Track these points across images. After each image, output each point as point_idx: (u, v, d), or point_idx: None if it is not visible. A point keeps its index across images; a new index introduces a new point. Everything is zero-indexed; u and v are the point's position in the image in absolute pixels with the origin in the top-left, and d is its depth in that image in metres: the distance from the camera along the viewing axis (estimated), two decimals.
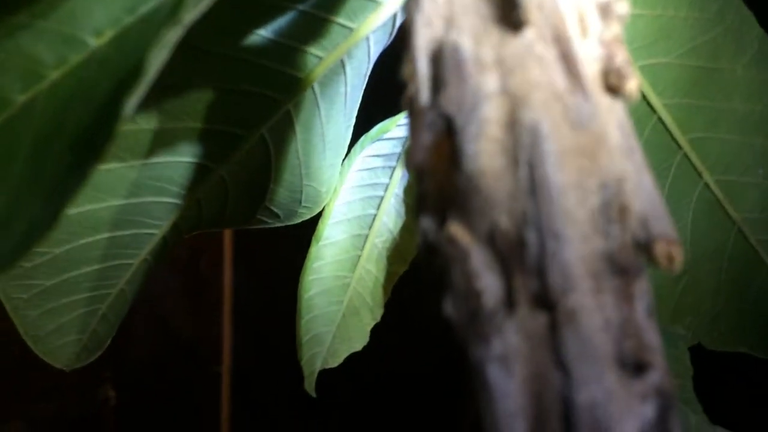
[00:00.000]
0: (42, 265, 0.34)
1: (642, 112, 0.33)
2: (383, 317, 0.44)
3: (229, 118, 0.31)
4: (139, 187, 0.33)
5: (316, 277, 0.41)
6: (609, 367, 0.14)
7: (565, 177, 0.14)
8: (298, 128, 0.33)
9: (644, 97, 0.33)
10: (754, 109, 0.33)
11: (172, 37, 0.15)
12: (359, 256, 0.41)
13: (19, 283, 0.34)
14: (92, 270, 0.35)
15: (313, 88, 0.32)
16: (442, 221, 0.15)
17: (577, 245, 0.14)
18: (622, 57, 0.16)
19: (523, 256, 0.14)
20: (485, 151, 0.15)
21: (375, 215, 0.41)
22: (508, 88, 0.15)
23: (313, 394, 0.42)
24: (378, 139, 0.38)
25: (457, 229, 0.15)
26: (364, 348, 0.45)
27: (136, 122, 0.31)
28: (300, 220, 0.39)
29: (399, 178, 0.41)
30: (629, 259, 0.14)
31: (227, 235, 1.00)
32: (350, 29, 0.30)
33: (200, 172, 0.34)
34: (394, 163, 0.40)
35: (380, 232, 0.42)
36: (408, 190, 0.41)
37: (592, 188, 0.15)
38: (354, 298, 0.42)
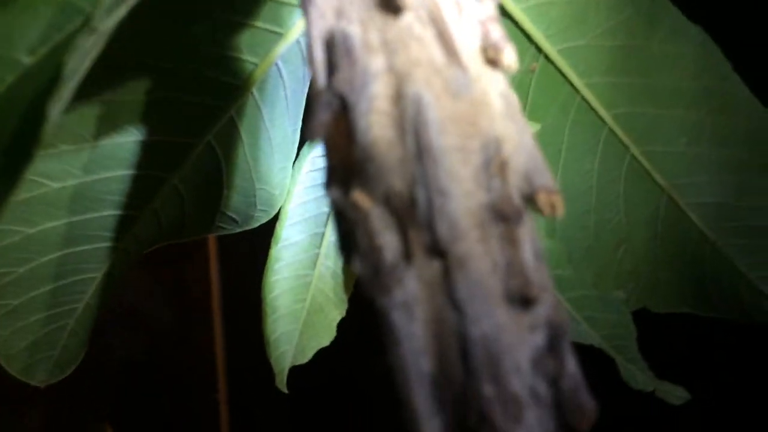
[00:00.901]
0: (8, 285, 0.35)
1: (566, 94, 0.35)
2: (348, 311, 0.45)
3: (174, 127, 0.33)
4: (96, 201, 0.34)
5: (278, 277, 0.42)
6: (498, 304, 0.16)
7: (447, 141, 0.16)
8: (243, 133, 0.35)
9: (567, 78, 0.35)
10: (672, 81, 0.35)
11: (85, 42, 0.17)
12: (318, 254, 0.43)
13: None
14: (57, 286, 0.36)
15: (253, 94, 0.34)
16: (347, 190, 0.17)
17: (462, 199, 0.16)
18: (497, 33, 0.17)
19: (415, 213, 0.16)
20: (376, 123, 0.16)
21: (329, 213, 0.42)
22: (393, 67, 0.17)
23: (285, 390, 0.43)
24: None
25: (359, 195, 0.16)
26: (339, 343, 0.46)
27: (86, 138, 0.32)
28: (258, 224, 0.41)
29: None
30: (511, 209, 0.16)
31: (212, 251, 1.00)
32: (280, 34, 0.31)
33: (153, 183, 0.35)
34: None
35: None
36: None
37: (473, 149, 0.16)
38: (317, 295, 0.44)
